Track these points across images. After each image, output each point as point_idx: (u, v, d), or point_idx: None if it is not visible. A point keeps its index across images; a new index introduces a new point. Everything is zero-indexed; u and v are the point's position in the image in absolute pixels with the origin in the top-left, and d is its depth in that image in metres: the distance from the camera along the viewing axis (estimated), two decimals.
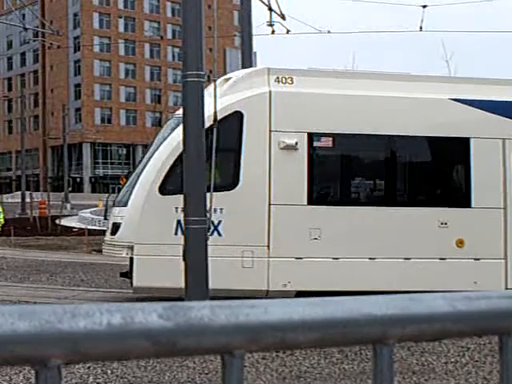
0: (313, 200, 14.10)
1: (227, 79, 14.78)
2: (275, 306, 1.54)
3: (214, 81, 12.97)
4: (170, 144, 14.16)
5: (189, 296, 11.73)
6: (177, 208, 13.49)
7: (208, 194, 12.54)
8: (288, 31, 24.39)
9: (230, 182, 14.03)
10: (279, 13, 22.71)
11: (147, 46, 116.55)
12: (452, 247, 14.28)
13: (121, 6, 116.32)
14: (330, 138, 14.37)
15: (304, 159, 14.10)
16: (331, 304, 1.60)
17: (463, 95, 14.60)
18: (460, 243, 14.31)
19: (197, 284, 11.88)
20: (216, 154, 13.12)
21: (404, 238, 14.25)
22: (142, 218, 13.83)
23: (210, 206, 12.50)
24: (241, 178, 13.91)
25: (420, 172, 15.36)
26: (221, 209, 13.69)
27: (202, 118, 12.19)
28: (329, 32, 27.31)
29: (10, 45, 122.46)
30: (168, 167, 13.86)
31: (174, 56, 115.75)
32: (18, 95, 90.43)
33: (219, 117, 13.69)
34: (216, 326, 1.49)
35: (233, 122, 13.95)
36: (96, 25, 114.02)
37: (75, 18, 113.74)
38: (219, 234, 13.76)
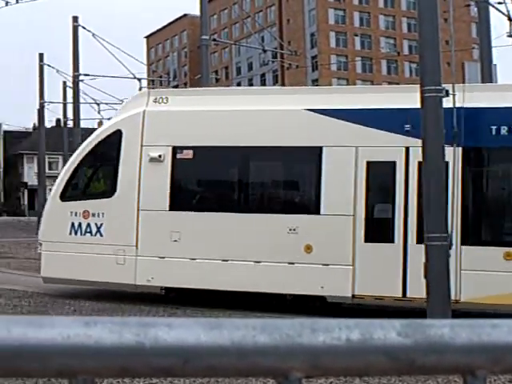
0: (174, 206, 15.76)
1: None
2: None
3: (454, 96, 12.81)
4: (72, 157, 17.03)
5: (431, 313, 11.56)
6: (71, 212, 16.23)
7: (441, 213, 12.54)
8: None
9: (109, 190, 16.36)
10: None
11: (384, 63, 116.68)
12: (300, 252, 14.77)
13: (356, 23, 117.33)
14: (191, 151, 15.85)
15: (168, 170, 15.86)
16: None
17: (317, 105, 15.01)
18: (308, 249, 14.78)
19: (439, 301, 11.68)
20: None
21: (255, 242, 15.09)
22: (48, 220, 16.76)
23: (451, 229, 12.49)
24: (118, 187, 16.06)
25: (272, 181, 16.55)
26: (102, 213, 16.05)
27: (442, 132, 12.04)
28: None
29: (250, 67, 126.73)
30: (67, 178, 16.54)
31: (411, 72, 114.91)
32: None
33: (104, 136, 16.30)
34: (457, 345, 1.46)
35: (114, 139, 16.13)
36: (333, 44, 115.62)
37: (312, 37, 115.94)
38: (101, 235, 16.05)
